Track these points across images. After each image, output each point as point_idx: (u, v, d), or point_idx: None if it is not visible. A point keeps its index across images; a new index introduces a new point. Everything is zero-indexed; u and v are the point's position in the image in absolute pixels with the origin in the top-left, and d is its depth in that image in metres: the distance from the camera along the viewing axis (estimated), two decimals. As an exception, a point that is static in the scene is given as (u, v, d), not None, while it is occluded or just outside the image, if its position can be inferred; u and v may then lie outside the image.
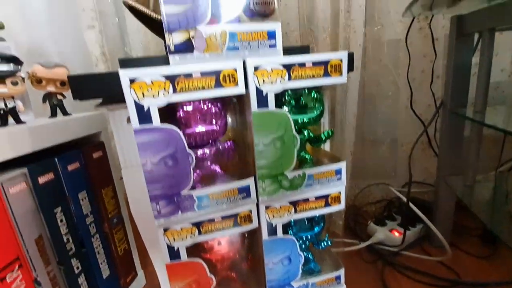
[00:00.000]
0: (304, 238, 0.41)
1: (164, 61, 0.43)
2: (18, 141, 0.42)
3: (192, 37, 0.28)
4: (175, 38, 0.27)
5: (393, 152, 0.84)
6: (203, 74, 0.28)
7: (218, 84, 0.29)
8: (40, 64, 0.51)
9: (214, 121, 0.33)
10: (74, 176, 0.51)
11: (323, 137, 0.37)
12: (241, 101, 0.33)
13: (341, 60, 0.32)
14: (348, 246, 0.72)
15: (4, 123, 0.47)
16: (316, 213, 0.37)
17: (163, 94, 0.28)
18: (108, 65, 0.90)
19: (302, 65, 0.31)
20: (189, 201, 0.32)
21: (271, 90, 0.31)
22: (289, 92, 0.35)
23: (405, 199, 0.69)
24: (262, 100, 0.31)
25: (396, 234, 0.75)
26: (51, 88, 0.53)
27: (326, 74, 0.32)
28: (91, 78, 0.36)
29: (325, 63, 0.32)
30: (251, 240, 0.42)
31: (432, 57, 0.70)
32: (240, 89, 0.30)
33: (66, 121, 0.51)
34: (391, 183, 0.85)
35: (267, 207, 0.35)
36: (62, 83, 0.54)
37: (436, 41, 0.69)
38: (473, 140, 0.64)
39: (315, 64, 0.31)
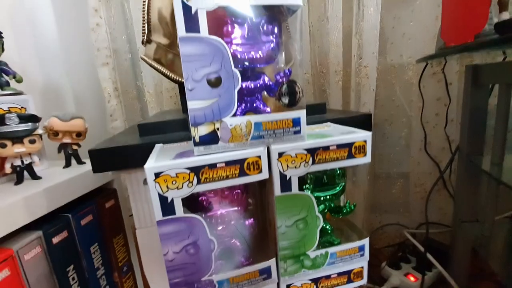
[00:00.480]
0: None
1: (183, 124, 0.43)
2: (33, 205, 0.42)
3: (217, 129, 0.27)
4: (201, 131, 0.27)
5: (406, 191, 0.82)
6: (228, 163, 0.28)
7: (242, 172, 0.29)
8: (57, 117, 0.52)
9: (235, 203, 0.32)
10: (87, 230, 0.51)
11: (344, 211, 0.36)
12: (263, 182, 0.33)
13: (366, 141, 0.32)
14: (363, 293, 0.70)
15: (20, 180, 0.47)
16: (338, 289, 0.36)
17: (187, 185, 0.27)
18: (120, 100, 0.91)
19: (326, 148, 0.30)
20: (209, 286, 0.31)
21: (294, 174, 0.30)
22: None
23: (421, 248, 0.67)
24: (285, 184, 0.30)
25: (412, 279, 0.73)
26: (67, 140, 0.53)
27: (350, 155, 0.31)
28: (111, 151, 0.36)
29: (349, 145, 0.31)
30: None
31: (446, 100, 0.70)
32: (264, 175, 0.30)
33: (80, 175, 0.51)
34: (405, 222, 0.83)
35: (288, 286, 0.34)
36: (78, 134, 0.54)
37: (450, 86, 0.68)
38: (489, 190, 0.63)
39: (339, 146, 0.31)
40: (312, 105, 0.48)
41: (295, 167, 0.30)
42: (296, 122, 0.29)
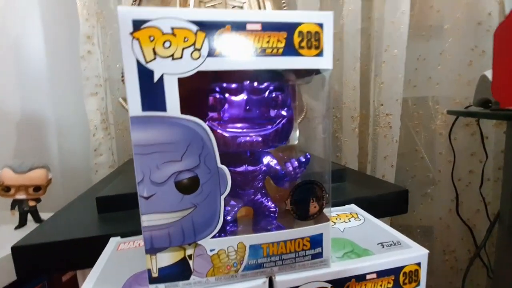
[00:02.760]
0: None
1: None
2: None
3: (189, 257, 0.17)
4: (161, 261, 0.17)
5: (431, 257, 0.69)
6: (205, 309, 0.17)
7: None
8: (11, 168, 0.42)
9: None
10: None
11: None
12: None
13: (420, 264, 0.21)
14: None
15: None
16: None
17: None
18: (109, 132, 0.82)
19: (361, 278, 0.20)
20: None
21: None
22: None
23: None
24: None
25: None
26: (21, 196, 0.43)
27: (397, 285, 0.21)
28: (43, 248, 0.25)
29: (395, 272, 0.20)
30: None
31: (482, 156, 0.59)
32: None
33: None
34: (429, 292, 0.70)
35: None
36: (37, 189, 0.44)
37: (486, 140, 0.58)
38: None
39: (380, 274, 0.20)
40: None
41: (315, 307, 0.19)
42: (316, 242, 0.19)
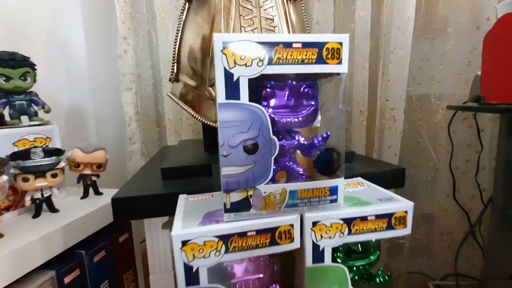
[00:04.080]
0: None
1: (207, 170, 0.42)
2: (50, 244, 0.41)
3: (250, 196, 0.26)
4: (233, 197, 0.26)
5: (431, 237, 0.77)
6: (259, 232, 0.26)
7: (273, 242, 0.27)
8: (80, 149, 0.52)
9: (262, 269, 0.30)
10: (99, 266, 0.49)
11: (378, 280, 0.33)
12: (292, 255, 0.31)
13: (407, 212, 0.29)
14: None
15: (38, 214, 0.46)
16: None
17: (214, 254, 0.26)
18: (140, 123, 0.92)
19: (364, 218, 0.28)
20: None
21: (328, 245, 0.28)
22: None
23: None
24: (317, 255, 0.28)
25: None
26: (87, 172, 0.53)
27: (390, 227, 0.29)
28: (134, 200, 0.35)
29: (389, 216, 0.29)
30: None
31: (477, 147, 0.66)
32: (295, 245, 0.27)
33: (98, 210, 0.50)
34: (429, 270, 0.77)
35: None
36: (99, 166, 0.54)
37: (482, 132, 0.65)
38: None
39: (378, 217, 0.29)
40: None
41: (329, 237, 0.28)
42: (333, 191, 0.27)
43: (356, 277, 0.34)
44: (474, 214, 0.70)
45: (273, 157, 0.26)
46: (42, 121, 0.51)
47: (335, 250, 0.30)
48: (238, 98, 0.24)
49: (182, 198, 0.34)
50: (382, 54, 0.67)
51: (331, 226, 0.28)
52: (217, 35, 0.23)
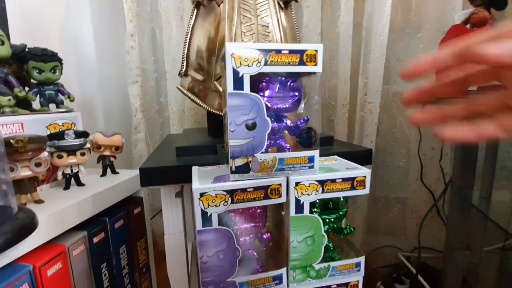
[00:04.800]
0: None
1: (213, 149, 0.51)
2: (82, 209, 0.49)
3: (250, 161, 0.35)
4: (237, 162, 0.35)
5: (403, 216, 0.89)
6: (255, 188, 0.36)
7: (266, 196, 0.36)
8: (101, 133, 0.60)
9: (257, 219, 0.40)
10: (119, 232, 0.58)
11: (345, 232, 0.43)
12: (280, 205, 0.40)
13: (365, 177, 0.39)
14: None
15: (68, 186, 0.55)
16: (337, 298, 0.42)
17: (223, 204, 0.35)
18: (144, 114, 1.00)
19: (333, 180, 0.38)
20: (232, 286, 0.38)
21: (307, 200, 0.38)
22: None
23: (414, 270, 0.73)
24: (299, 207, 0.38)
25: (405, 300, 0.78)
26: (107, 153, 0.61)
27: (352, 188, 0.39)
28: (157, 170, 0.44)
29: (352, 179, 0.39)
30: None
31: (441, 137, 0.77)
32: (282, 199, 0.37)
33: (117, 184, 0.59)
34: (401, 245, 0.89)
35: (295, 293, 0.41)
36: (117, 148, 0.62)
37: (445, 124, 0.76)
38: (478, 222, 0.69)
39: (344, 180, 0.38)
40: (322, 137, 0.56)
41: (308, 194, 0.38)
42: (311, 159, 0.37)
43: (329, 230, 0.44)
44: (438, 194, 0.81)
45: (267, 133, 0.35)
46: (68, 109, 0.60)
47: (313, 205, 0.40)
48: (242, 89, 0.33)
49: (195, 168, 0.43)
50: (362, 55, 0.77)
51: (309, 186, 0.37)
52: (229, 45, 0.32)
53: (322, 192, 0.38)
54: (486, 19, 0.51)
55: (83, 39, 0.91)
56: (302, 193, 0.37)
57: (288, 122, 0.38)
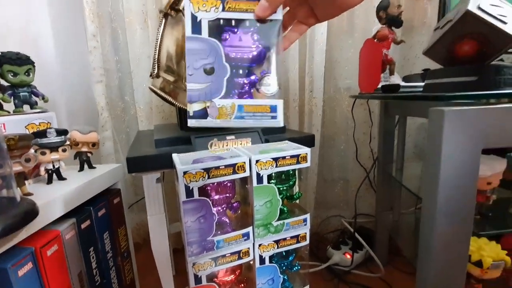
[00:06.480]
0: (282, 265, 0.59)
1: (187, 140, 0.60)
2: (70, 199, 0.55)
3: (208, 107, 0.34)
4: (194, 107, 0.34)
5: (346, 191, 1.08)
6: (226, 166, 0.47)
7: (234, 172, 0.48)
8: (78, 131, 0.65)
9: (228, 191, 0.51)
10: (102, 220, 0.64)
11: (295, 197, 0.57)
12: (245, 179, 0.52)
13: (307, 154, 0.53)
14: (313, 267, 0.92)
15: (50, 181, 0.59)
16: (291, 247, 0.56)
17: (202, 179, 0.46)
18: (110, 113, 1.03)
19: (284, 158, 0.51)
20: (211, 244, 0.49)
21: (265, 173, 0.50)
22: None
23: (352, 230, 0.92)
24: (259, 179, 0.50)
25: (348, 256, 0.97)
26: (85, 149, 0.67)
27: (298, 162, 0.53)
28: (143, 159, 0.53)
29: (297, 156, 0.52)
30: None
31: (370, 123, 0.97)
32: (247, 174, 0.49)
33: (97, 177, 0.65)
34: (345, 215, 1.08)
35: (259, 245, 0.53)
36: (93, 144, 0.68)
37: (372, 113, 0.96)
38: (396, 189, 0.90)
39: (292, 157, 0.52)
40: (276, 128, 0.69)
41: (266, 168, 0.50)
42: (273, 109, 0.35)
43: (284, 197, 0.57)
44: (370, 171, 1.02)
45: (225, 78, 0.34)
46: (43, 109, 0.63)
47: (270, 177, 0.52)
48: (200, 34, 0.33)
49: (175, 155, 0.52)
50: (307, 59, 0.92)
51: (266, 162, 0.50)
52: None
53: (276, 166, 0.51)
54: (386, 36, 0.69)
55: (43, 41, 0.91)
56: (261, 168, 0.50)
57: (253, 77, 0.35)
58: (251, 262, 0.55)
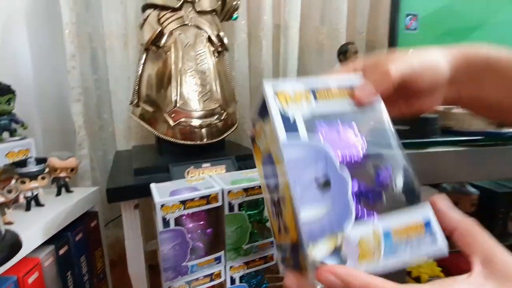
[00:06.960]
0: (252, 284, 0.64)
1: (165, 168, 0.65)
2: (49, 227, 0.58)
3: (338, 246, 0.21)
4: (321, 250, 0.20)
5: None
6: (201, 197, 0.52)
7: (208, 202, 0.53)
8: (57, 157, 0.67)
9: (202, 219, 0.56)
10: (79, 244, 0.67)
11: (263, 221, 0.64)
12: (218, 207, 0.57)
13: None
14: (281, 280, 0.98)
15: (29, 208, 0.61)
16: (260, 267, 0.62)
17: (178, 210, 0.50)
18: (87, 131, 1.04)
19: (253, 188, 0.57)
20: (185, 269, 0.54)
21: (236, 202, 0.56)
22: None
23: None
24: (231, 208, 0.56)
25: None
26: (63, 174, 0.69)
27: (266, 192, 0.59)
28: (122, 189, 0.56)
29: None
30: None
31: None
32: (219, 203, 0.54)
33: (75, 203, 0.67)
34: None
35: (230, 267, 0.59)
36: (72, 169, 0.70)
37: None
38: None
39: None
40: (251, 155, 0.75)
41: (237, 198, 0.56)
42: (428, 226, 0.22)
43: (254, 221, 0.63)
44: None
45: (349, 192, 0.22)
46: (22, 136, 0.65)
47: (241, 205, 0.58)
48: (298, 136, 0.23)
49: (153, 185, 0.57)
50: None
51: (237, 193, 0.56)
52: (266, 81, 0.25)
53: (246, 196, 0.57)
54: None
55: (20, 61, 0.92)
56: (232, 198, 0.55)
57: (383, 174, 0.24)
58: (223, 282, 0.60)
